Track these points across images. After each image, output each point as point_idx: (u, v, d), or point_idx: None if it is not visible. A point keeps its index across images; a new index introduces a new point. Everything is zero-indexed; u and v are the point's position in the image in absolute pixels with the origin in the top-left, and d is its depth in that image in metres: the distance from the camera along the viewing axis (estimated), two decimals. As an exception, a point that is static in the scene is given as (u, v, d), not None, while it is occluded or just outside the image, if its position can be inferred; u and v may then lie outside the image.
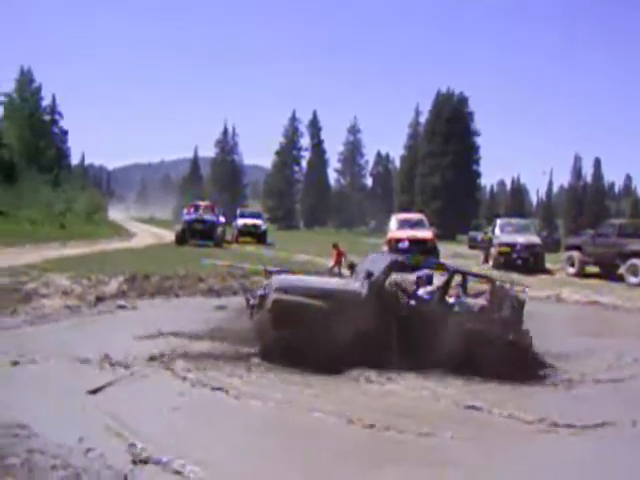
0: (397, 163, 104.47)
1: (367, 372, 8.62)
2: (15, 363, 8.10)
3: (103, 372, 8.11)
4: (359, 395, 7.93)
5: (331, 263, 20.54)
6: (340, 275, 18.06)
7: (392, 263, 10.01)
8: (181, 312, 12.72)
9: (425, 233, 25.66)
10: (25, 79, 75.18)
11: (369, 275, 9.73)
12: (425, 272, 10.69)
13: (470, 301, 10.39)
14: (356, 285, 9.76)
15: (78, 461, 5.21)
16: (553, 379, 9.24)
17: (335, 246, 20.57)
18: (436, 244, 25.56)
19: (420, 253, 24.32)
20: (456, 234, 67.87)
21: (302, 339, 8.80)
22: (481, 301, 10.34)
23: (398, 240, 24.60)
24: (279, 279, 10.31)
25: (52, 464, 5.14)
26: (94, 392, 7.23)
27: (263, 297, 9.76)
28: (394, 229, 26.26)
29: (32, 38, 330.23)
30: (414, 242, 24.40)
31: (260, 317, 9.55)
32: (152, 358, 8.77)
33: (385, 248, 24.64)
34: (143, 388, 7.72)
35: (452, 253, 32.74)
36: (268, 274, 11.87)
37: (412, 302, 9.81)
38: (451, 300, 10.25)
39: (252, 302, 10.04)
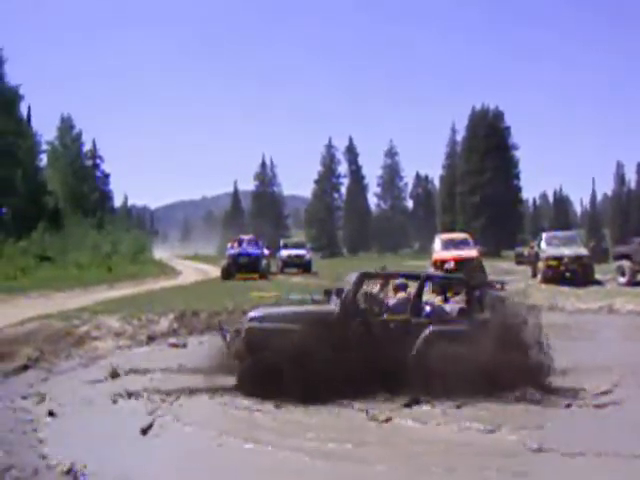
0: (437, 183, 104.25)
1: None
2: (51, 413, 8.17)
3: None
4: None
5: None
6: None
7: (361, 276, 9.96)
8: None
9: (470, 252, 25.44)
10: (66, 126, 76.87)
11: (339, 293, 9.89)
12: (400, 281, 10.63)
13: (449, 306, 10.32)
14: (330, 306, 9.86)
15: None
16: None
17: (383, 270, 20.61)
18: (482, 263, 25.33)
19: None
20: (501, 250, 67.30)
21: (279, 363, 8.80)
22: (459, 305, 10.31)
23: (443, 261, 24.43)
24: (254, 310, 10.47)
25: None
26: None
27: (238, 330, 9.85)
28: (439, 250, 26.10)
29: (70, 83, 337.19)
30: (460, 262, 24.23)
31: (236, 347, 9.61)
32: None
33: (431, 269, 24.53)
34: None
35: (499, 270, 32.43)
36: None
37: (384, 314, 9.75)
38: (427, 308, 10.07)
39: (228, 337, 10.01)
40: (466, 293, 10.24)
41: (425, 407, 8.49)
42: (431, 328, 9.29)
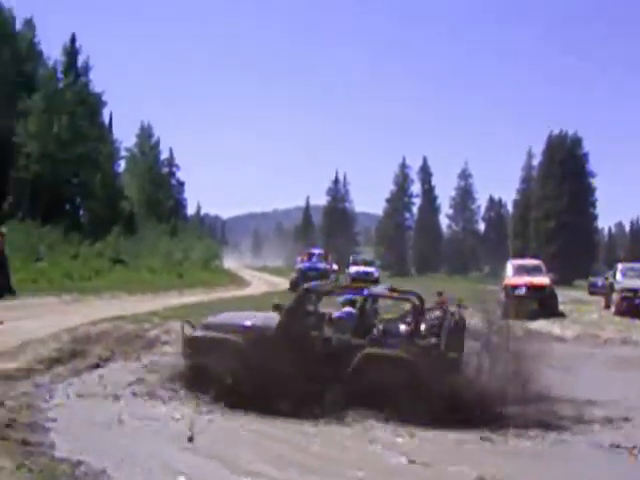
0: (510, 207, 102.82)
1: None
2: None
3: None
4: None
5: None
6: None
7: (302, 292, 10.08)
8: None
9: (542, 279, 24.94)
10: (145, 134, 78.67)
11: (277, 308, 10.05)
12: (347, 297, 10.47)
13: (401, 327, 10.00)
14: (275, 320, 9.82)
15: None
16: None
17: (440, 294, 20.73)
18: (554, 290, 24.86)
19: (537, 299, 23.96)
20: (573, 279, 65.84)
21: (217, 370, 9.07)
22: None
23: (515, 286, 24.03)
24: (213, 317, 10.85)
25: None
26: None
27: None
28: (510, 275, 25.65)
29: (149, 90, 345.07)
30: (531, 288, 23.84)
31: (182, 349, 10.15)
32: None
33: (502, 295, 24.18)
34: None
35: (570, 299, 31.74)
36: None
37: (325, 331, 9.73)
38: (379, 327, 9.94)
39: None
40: (412, 314, 9.90)
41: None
42: (366, 350, 9.14)
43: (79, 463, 6.06)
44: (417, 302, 9.80)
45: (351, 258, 41.70)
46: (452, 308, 10.27)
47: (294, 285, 30.17)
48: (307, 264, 31.76)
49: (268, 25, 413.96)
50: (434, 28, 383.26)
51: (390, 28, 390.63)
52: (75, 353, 11.64)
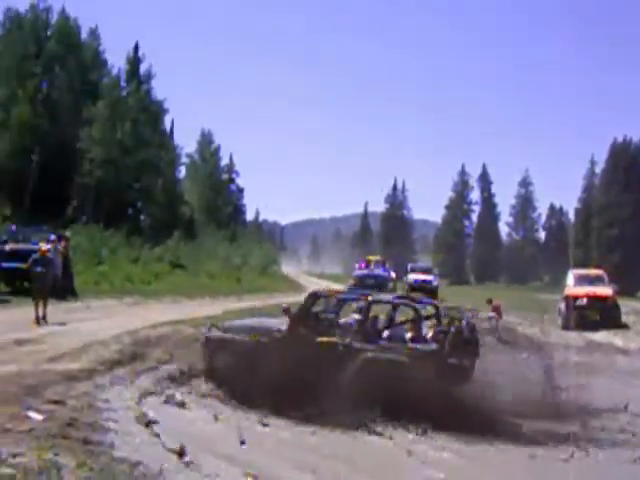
0: (571, 216, 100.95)
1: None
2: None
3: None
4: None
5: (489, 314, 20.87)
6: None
7: (309, 297, 10.57)
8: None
9: (605, 290, 24.41)
10: (205, 141, 79.65)
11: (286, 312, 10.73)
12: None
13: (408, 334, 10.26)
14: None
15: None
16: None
17: (490, 301, 20.79)
18: (617, 302, 24.31)
19: (599, 310, 23.49)
20: (636, 290, 64.25)
21: (232, 368, 9.71)
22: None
23: (576, 297, 23.61)
24: (228, 321, 11.59)
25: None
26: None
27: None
28: (572, 285, 25.18)
29: (209, 98, 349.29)
30: (593, 299, 23.40)
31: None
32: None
33: (562, 305, 23.83)
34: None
35: (634, 310, 31.02)
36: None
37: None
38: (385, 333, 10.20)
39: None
40: (412, 320, 10.31)
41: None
42: (365, 354, 9.46)
43: (138, 463, 6.15)
44: (418, 309, 10.29)
45: (409, 266, 41.29)
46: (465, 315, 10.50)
47: (351, 292, 30.21)
48: (365, 271, 31.63)
49: (333, 26, 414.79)
50: (496, 33, 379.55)
51: (448, 31, 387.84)
52: (135, 355, 11.83)
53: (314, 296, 10.70)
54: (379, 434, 8.59)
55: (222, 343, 10.30)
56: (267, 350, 9.60)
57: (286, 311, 11.08)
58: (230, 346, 10.10)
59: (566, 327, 22.58)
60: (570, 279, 26.00)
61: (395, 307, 11.10)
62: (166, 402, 9.34)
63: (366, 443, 8.35)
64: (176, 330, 14.39)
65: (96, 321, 15.63)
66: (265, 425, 8.68)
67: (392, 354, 9.50)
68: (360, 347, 9.64)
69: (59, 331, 13.77)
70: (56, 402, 8.16)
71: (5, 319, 14.53)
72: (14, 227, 20.04)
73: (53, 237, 16.34)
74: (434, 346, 9.50)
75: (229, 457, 7.11)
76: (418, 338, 9.86)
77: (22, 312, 15.27)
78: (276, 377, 8.95)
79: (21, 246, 20.86)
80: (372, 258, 34.83)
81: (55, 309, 17.92)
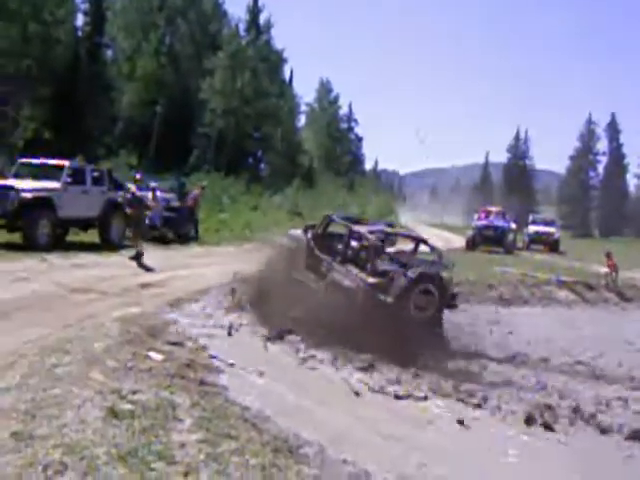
0: None
1: None
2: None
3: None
4: None
5: (604, 269, 20.20)
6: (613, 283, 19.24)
7: (323, 219, 12.50)
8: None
9: None
10: (324, 89, 79.61)
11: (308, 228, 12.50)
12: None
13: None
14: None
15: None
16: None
17: (608, 255, 19.87)
18: None
19: None
20: None
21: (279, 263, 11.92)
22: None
23: None
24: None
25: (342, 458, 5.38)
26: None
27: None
28: None
29: (329, 49, 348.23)
30: None
31: None
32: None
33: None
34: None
35: None
36: None
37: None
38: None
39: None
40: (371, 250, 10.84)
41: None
42: (332, 276, 10.63)
43: (246, 408, 6.28)
44: (377, 241, 11.02)
45: (530, 217, 40.31)
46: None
47: (470, 243, 29.67)
48: (484, 222, 30.94)
49: None
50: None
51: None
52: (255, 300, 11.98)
53: (327, 218, 12.49)
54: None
55: (281, 246, 12.75)
56: (293, 253, 11.83)
57: (306, 228, 12.65)
58: (282, 248, 12.48)
59: None
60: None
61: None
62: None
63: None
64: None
65: (216, 265, 15.98)
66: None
67: (347, 280, 10.30)
68: (333, 268, 10.79)
69: (180, 275, 14.16)
70: (175, 344, 8.42)
71: (129, 263, 15.03)
72: (139, 174, 20.62)
73: (139, 176, 16.81)
74: (370, 281, 10.05)
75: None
76: (373, 269, 10.38)
77: (145, 258, 15.69)
78: (288, 277, 11.15)
79: (145, 193, 21.57)
80: (492, 209, 34.01)
81: (177, 253, 18.56)
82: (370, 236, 10.97)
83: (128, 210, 15.98)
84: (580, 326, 14.25)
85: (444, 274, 10.62)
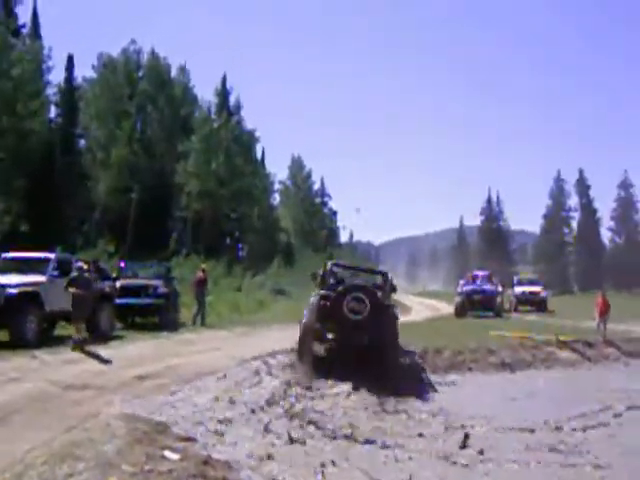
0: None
1: None
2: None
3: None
4: None
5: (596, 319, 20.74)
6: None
7: (330, 266, 15.45)
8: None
9: None
10: (296, 166, 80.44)
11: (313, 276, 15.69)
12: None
13: None
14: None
15: None
16: None
17: (603, 296, 21.36)
18: None
19: None
20: None
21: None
22: None
23: None
24: None
25: None
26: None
27: None
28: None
29: (298, 124, 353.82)
30: None
31: None
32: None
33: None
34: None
35: None
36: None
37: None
38: None
39: None
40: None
41: None
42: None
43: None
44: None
45: (515, 278, 40.37)
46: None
47: (459, 309, 29.37)
48: (472, 286, 30.77)
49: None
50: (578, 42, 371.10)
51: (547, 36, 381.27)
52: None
53: (334, 264, 16.08)
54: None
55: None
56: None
57: (313, 275, 15.62)
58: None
59: None
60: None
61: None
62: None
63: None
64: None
65: (212, 352, 15.57)
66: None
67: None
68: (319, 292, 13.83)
69: (177, 364, 13.71)
70: (187, 439, 7.97)
71: (122, 355, 14.57)
72: (123, 263, 20.35)
73: (80, 264, 16.06)
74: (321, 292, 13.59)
75: None
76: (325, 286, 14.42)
77: (137, 348, 15.27)
78: None
79: (131, 282, 21.25)
80: (479, 273, 33.96)
81: (167, 341, 18.08)
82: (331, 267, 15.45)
83: (71, 289, 15.16)
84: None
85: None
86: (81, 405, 9.62)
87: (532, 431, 9.61)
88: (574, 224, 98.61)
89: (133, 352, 15.37)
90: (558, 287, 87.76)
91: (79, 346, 14.46)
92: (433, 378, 13.87)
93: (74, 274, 15.27)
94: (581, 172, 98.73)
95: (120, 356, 14.41)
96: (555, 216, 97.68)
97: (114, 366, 13.13)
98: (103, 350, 15.15)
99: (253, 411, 9.89)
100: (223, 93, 57.25)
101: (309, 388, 11.57)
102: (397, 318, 13.88)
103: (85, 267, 15.86)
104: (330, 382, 11.90)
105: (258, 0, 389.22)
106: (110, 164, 45.75)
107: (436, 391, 12.64)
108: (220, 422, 9.11)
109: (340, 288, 13.11)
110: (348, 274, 16.31)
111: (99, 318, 17.43)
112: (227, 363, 13.38)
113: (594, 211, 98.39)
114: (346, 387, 11.53)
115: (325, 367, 12.67)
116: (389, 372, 12.38)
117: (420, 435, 9.15)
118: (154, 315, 21.30)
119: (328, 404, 10.68)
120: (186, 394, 10.75)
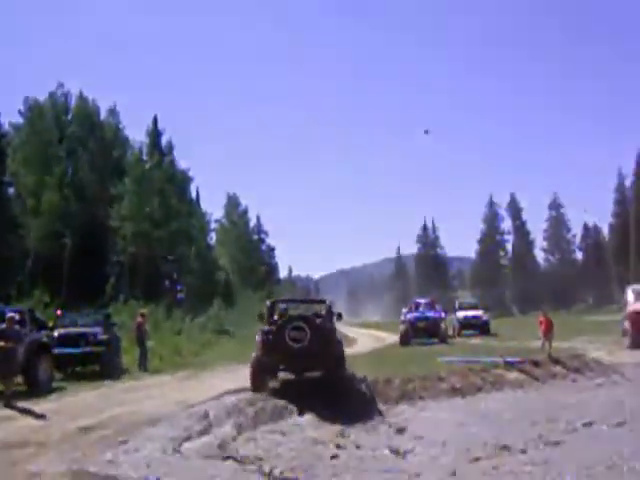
0: (607, 232, 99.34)
1: None
2: None
3: None
4: None
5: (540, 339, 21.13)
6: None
7: (271, 304, 16.60)
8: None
9: (667, 302, 23.50)
10: (232, 204, 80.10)
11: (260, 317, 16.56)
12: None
13: None
14: None
15: None
16: None
17: (545, 314, 21.66)
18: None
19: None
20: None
21: None
22: None
23: (640, 313, 22.70)
24: None
25: None
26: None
27: None
28: (632, 302, 24.20)
29: (231, 162, 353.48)
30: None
31: None
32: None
33: (627, 324, 22.96)
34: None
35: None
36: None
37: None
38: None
39: None
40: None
41: None
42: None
43: None
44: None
45: (457, 303, 40.68)
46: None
47: (404, 337, 29.29)
48: (416, 314, 30.84)
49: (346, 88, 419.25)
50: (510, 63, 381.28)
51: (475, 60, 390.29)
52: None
53: (275, 302, 16.99)
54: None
55: None
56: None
57: (260, 316, 16.24)
58: None
59: (636, 345, 21.69)
60: (630, 296, 25.00)
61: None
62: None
63: None
64: (244, 399, 13.75)
65: (156, 399, 15.09)
66: None
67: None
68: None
69: (121, 413, 13.20)
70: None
71: (63, 406, 14.00)
72: (60, 312, 19.74)
73: (11, 314, 15.27)
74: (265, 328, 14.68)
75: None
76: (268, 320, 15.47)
77: (78, 398, 14.71)
78: None
79: (70, 330, 20.65)
80: (421, 300, 34.14)
81: (109, 390, 17.49)
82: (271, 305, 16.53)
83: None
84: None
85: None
86: (24, 464, 9.08)
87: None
88: (509, 247, 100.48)
89: (75, 403, 14.80)
90: (497, 310, 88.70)
91: (5, 401, 13.81)
92: (384, 408, 13.76)
93: (2, 326, 14.63)
94: (512, 195, 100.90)
95: (61, 408, 13.84)
96: (490, 240, 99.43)
97: (55, 419, 12.57)
98: (43, 403, 14.55)
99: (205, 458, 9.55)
100: (155, 133, 56.69)
101: (259, 427, 11.29)
102: (340, 342, 15.14)
103: (17, 317, 15.22)
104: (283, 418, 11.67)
105: (193, 39, 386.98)
106: (41, 211, 44.76)
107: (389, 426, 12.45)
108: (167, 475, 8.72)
109: (280, 321, 14.13)
110: (293, 307, 17.79)
111: (37, 369, 16.74)
112: (172, 409, 12.93)
113: (527, 233, 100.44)
114: (300, 420, 11.34)
115: (278, 396, 13.35)
116: (342, 399, 12.87)
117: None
118: (94, 363, 20.68)
119: (277, 444, 10.42)
120: (133, 445, 10.30)
